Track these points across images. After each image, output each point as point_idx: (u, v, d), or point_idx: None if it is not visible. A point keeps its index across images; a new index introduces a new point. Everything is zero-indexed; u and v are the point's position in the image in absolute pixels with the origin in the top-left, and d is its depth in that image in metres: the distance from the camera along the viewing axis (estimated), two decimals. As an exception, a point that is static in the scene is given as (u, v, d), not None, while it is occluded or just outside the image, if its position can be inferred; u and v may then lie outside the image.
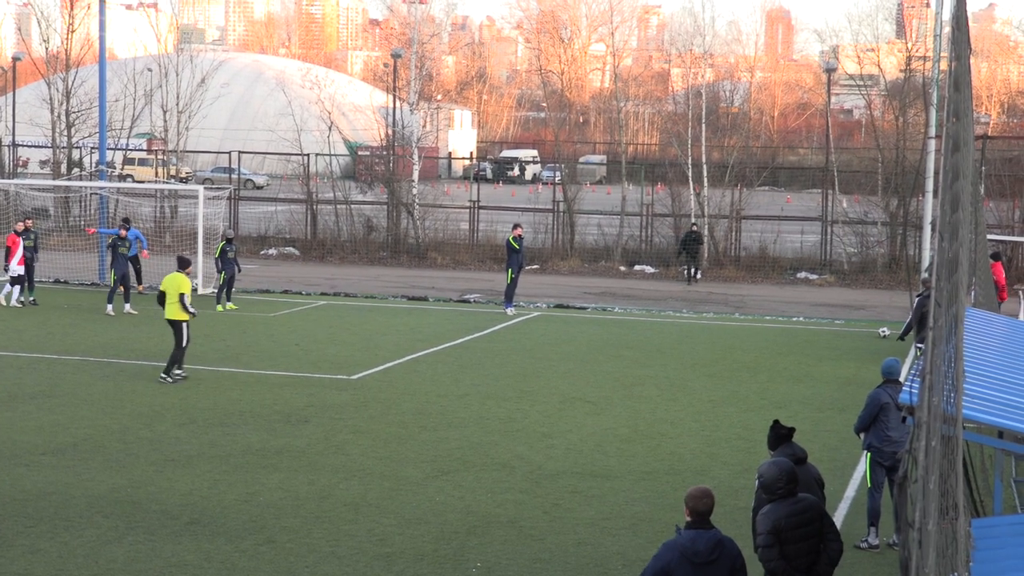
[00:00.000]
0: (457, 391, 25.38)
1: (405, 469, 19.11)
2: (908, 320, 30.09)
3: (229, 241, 37.31)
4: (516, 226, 38.23)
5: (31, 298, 36.53)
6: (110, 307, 34.89)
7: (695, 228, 47.90)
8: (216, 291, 37.23)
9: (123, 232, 36.28)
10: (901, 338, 31.53)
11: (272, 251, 53.00)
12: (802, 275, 48.38)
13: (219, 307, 36.28)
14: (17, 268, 35.92)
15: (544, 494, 17.95)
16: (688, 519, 10.43)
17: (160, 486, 17.80)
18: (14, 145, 61.87)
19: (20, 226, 37.13)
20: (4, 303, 36.03)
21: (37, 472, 18.31)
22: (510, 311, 36.97)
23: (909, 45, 56.77)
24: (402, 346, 30.90)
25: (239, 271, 37.77)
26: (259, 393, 24.58)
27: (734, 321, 37.44)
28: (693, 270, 47.28)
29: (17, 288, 36.14)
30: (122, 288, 35.20)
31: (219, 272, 36.95)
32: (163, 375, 25.28)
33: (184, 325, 25.43)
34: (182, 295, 25.44)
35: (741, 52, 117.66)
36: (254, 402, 23.71)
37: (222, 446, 20.27)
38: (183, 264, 26.41)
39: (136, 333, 31.94)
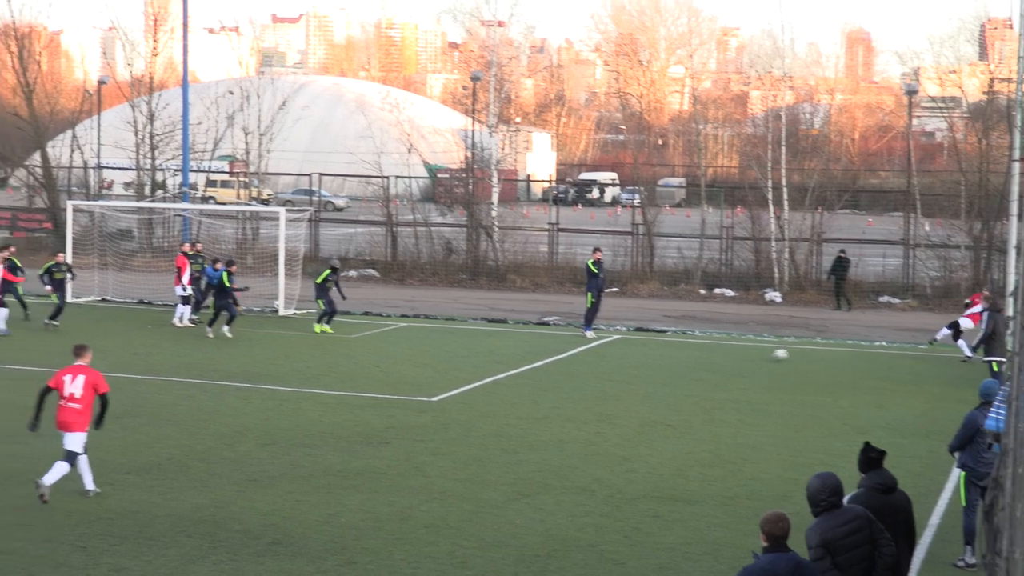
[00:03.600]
0: (536, 414, 25.37)
1: (485, 491, 19.11)
2: (980, 336, 29.82)
3: (334, 271, 37.05)
4: (595, 250, 38.18)
5: (195, 318, 37.58)
6: (226, 328, 35.08)
7: (843, 254, 46.89)
8: (318, 314, 36.81)
9: (232, 269, 36.19)
10: (972, 352, 31.33)
11: (352, 273, 53.24)
12: (884, 299, 47.93)
13: (316, 327, 36.25)
14: (187, 288, 37.34)
15: (624, 518, 17.89)
16: (764, 544, 10.37)
17: (242, 506, 17.91)
18: (99, 167, 62.68)
19: (187, 248, 38.22)
20: (178, 324, 37.14)
21: (122, 491, 18.49)
22: (589, 334, 36.91)
23: (992, 67, 56.13)
24: (482, 368, 30.94)
25: (344, 299, 37.57)
26: (340, 414, 24.69)
27: (815, 345, 37.16)
28: (843, 297, 46.24)
29: (188, 308, 37.35)
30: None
31: (317, 299, 36.56)
32: None
33: None
34: None
35: (821, 74, 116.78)
36: (335, 423, 23.82)
37: (303, 467, 20.37)
38: None
39: (219, 354, 32.22)
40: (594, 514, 18.04)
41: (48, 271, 36.92)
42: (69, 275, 37.82)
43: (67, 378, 18.11)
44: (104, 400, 18.23)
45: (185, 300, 37.61)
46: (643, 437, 23.40)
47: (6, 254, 36.18)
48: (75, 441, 17.96)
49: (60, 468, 17.87)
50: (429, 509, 18.03)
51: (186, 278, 37.43)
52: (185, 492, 18.57)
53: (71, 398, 17.96)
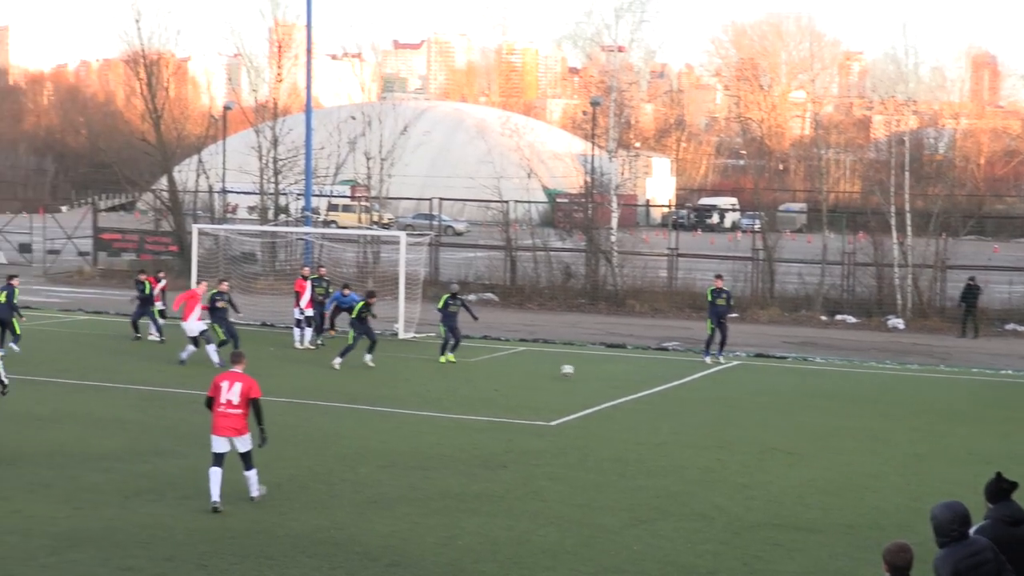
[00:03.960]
0: (655, 439, 25.26)
1: (602, 517, 19.05)
2: None
3: (454, 296, 36.14)
4: (716, 277, 38.04)
5: (319, 341, 38.23)
6: (368, 357, 34.42)
7: (972, 281, 46.11)
8: (441, 345, 35.97)
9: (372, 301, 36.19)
10: None
11: (471, 297, 53.42)
12: (1010, 327, 47.09)
13: (442, 358, 35.64)
14: (306, 311, 37.89)
15: (744, 545, 17.73)
16: (887, 574, 10.20)
17: (361, 528, 18.04)
18: (224, 191, 63.67)
19: (307, 271, 39.13)
20: (299, 346, 37.85)
21: (243, 511, 18.71)
22: (708, 360, 36.72)
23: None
24: (600, 393, 30.89)
25: (475, 319, 37.32)
26: (458, 438, 24.78)
27: (939, 373, 36.61)
28: (972, 325, 45.59)
29: (309, 331, 38.00)
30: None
31: (440, 324, 36.07)
32: None
33: None
34: None
35: (945, 98, 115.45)
36: (453, 446, 23.91)
37: (422, 489, 20.47)
38: None
39: (340, 377, 32.52)
40: (712, 541, 17.91)
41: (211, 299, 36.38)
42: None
43: (224, 384, 18.83)
44: (256, 405, 18.79)
45: (306, 322, 38.06)
46: (763, 464, 23.20)
47: (224, 287, 35.88)
48: (244, 443, 18.79)
49: (251, 477, 18.97)
50: (546, 534, 18.02)
51: (304, 301, 37.89)
52: (305, 512, 18.74)
53: (228, 404, 18.68)
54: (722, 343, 36.96)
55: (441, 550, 17.06)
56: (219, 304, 34.84)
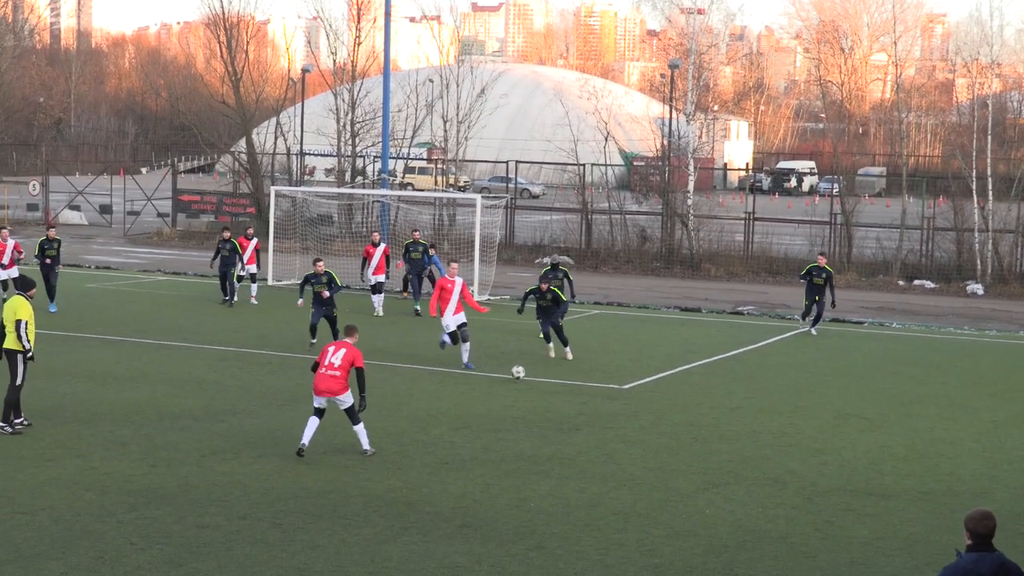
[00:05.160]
0: (729, 404, 25.18)
1: (675, 480, 19.04)
2: None
3: (555, 267, 33.07)
4: (820, 254, 37.85)
5: (416, 307, 37.41)
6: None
7: None
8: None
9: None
10: None
11: (546, 259, 53.42)
12: (1093, 293, 46.43)
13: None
14: (374, 277, 37.05)
15: (816, 511, 17.65)
16: (969, 542, 10.09)
17: (434, 488, 18.13)
18: (302, 154, 63.99)
19: (376, 236, 38.26)
20: (380, 313, 36.82)
21: (318, 471, 18.87)
22: (813, 331, 35.42)
23: None
24: (674, 357, 30.82)
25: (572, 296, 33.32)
26: (531, 400, 24.82)
27: (1018, 339, 36.19)
28: None
29: (380, 296, 37.09)
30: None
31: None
32: (1, 423, 20.95)
33: (19, 357, 20.92)
34: (19, 322, 20.88)
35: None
36: (526, 409, 23.96)
37: (495, 451, 20.54)
38: (25, 286, 21.69)
39: (413, 339, 32.66)
40: (785, 506, 17.85)
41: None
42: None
43: (331, 349, 20.00)
44: (359, 373, 19.71)
45: (375, 289, 37.16)
46: (837, 430, 23.06)
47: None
48: (346, 400, 19.77)
49: (360, 432, 20.04)
50: (619, 496, 18.03)
51: (372, 268, 37.06)
52: (379, 473, 18.87)
53: (330, 367, 19.71)
54: (816, 318, 35.71)
55: (513, 512, 17.13)
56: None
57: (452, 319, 28.38)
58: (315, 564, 14.77)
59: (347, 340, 20.14)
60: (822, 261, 35.72)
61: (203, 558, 14.85)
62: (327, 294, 30.33)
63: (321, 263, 31.14)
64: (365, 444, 19.98)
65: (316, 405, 19.87)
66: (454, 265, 30.11)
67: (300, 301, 32.68)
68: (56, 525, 15.93)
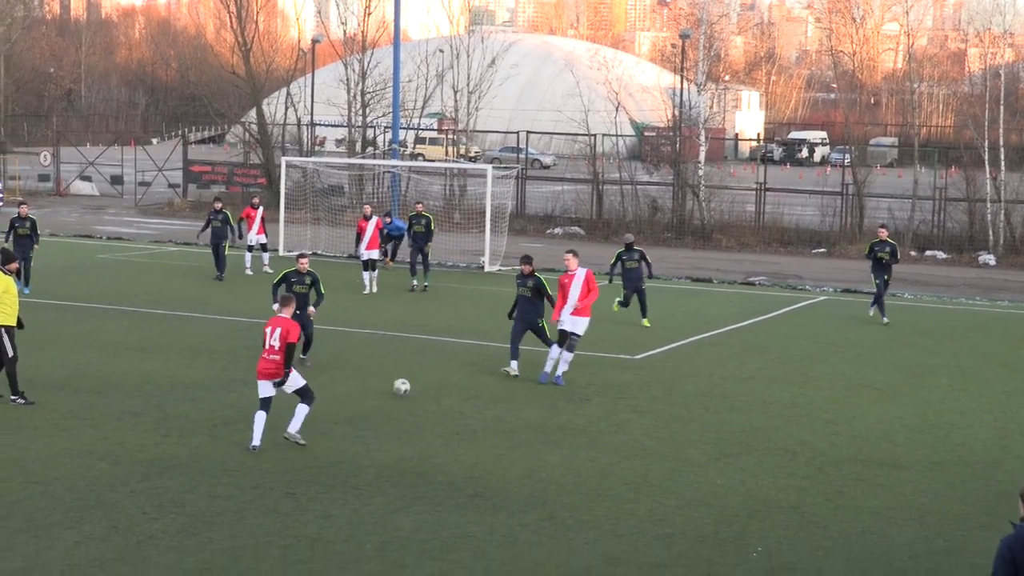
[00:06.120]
0: (740, 374, 25.18)
1: (686, 450, 19.06)
2: None
3: (629, 247, 30.95)
4: (881, 227, 34.42)
5: (425, 284, 36.02)
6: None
7: None
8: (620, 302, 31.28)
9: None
10: None
11: (558, 230, 53.45)
12: (1106, 263, 46.33)
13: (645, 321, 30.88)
14: (367, 253, 35.43)
15: (827, 481, 17.67)
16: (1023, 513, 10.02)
17: (446, 458, 18.16)
18: (312, 124, 63.95)
19: (368, 209, 36.52)
20: (367, 292, 35.52)
21: (330, 441, 18.90)
22: (885, 321, 32.12)
23: None
24: (686, 327, 30.82)
25: (650, 276, 31.86)
26: (542, 370, 24.77)
27: (1030, 310, 36.14)
28: None
29: (374, 273, 35.55)
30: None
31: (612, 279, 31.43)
32: (13, 396, 20.67)
33: (2, 332, 20.43)
34: None
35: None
36: (537, 379, 23.92)
37: (506, 421, 20.57)
38: (5, 259, 21.08)
39: (424, 309, 32.67)
40: (796, 476, 17.86)
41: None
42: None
43: (268, 330, 18.40)
44: (290, 348, 18.20)
45: (367, 265, 35.60)
46: (848, 400, 23.06)
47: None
48: (293, 382, 18.35)
49: (300, 412, 18.42)
50: (630, 466, 18.06)
51: (364, 244, 35.64)
52: (390, 443, 18.90)
53: (271, 350, 18.26)
54: (876, 299, 32.54)
55: (524, 481, 17.15)
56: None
57: (569, 319, 23.85)
58: (327, 533, 14.82)
59: (282, 314, 18.52)
60: (883, 234, 32.48)
61: (216, 527, 14.90)
62: (313, 311, 24.48)
63: (305, 260, 24.89)
64: (295, 427, 18.40)
65: (261, 395, 18.34)
66: (571, 257, 24.69)
67: (276, 306, 20.59)
68: (69, 495, 15.98)
